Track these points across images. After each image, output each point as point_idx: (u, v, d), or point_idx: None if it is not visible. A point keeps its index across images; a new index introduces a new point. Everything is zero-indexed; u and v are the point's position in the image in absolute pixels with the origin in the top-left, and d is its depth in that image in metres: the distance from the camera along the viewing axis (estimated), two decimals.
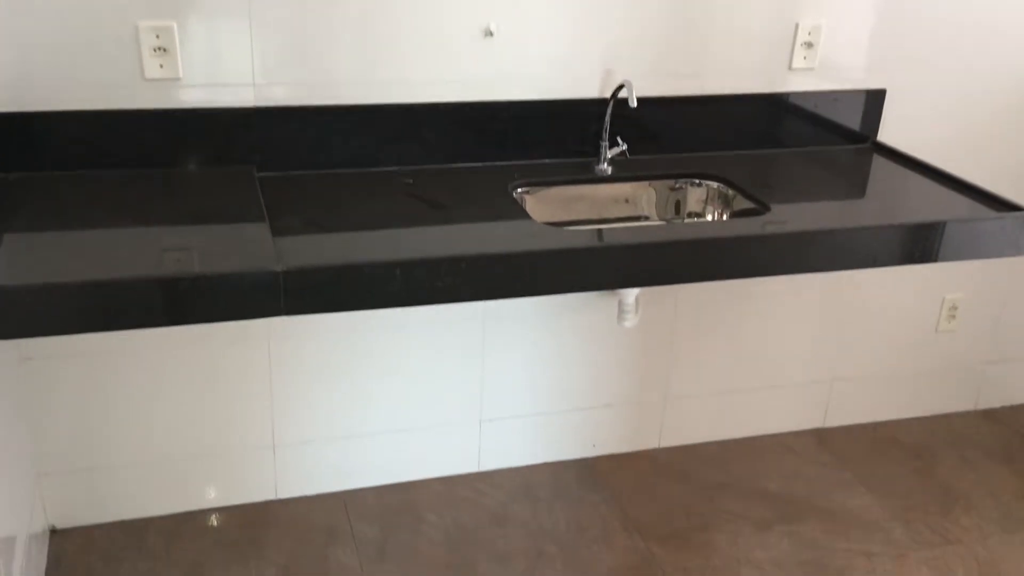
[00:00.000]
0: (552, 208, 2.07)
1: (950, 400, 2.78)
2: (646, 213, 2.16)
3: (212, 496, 2.21)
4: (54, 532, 2.12)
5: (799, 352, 2.56)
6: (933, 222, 1.86)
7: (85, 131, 1.81)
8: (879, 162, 2.26)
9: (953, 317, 2.64)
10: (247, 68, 1.87)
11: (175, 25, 1.78)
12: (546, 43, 2.03)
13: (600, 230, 2.05)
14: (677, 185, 2.15)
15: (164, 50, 1.79)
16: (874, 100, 2.30)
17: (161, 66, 1.80)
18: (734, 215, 2.07)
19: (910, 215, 1.94)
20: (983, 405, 2.82)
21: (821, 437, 2.65)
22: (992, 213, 1.93)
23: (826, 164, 2.24)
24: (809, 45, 2.19)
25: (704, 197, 2.15)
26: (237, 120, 1.89)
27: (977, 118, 2.41)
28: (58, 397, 2.01)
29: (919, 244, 1.87)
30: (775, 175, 2.19)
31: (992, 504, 2.41)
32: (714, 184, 2.13)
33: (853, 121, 2.31)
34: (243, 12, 1.82)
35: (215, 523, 2.19)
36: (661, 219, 2.16)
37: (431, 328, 2.21)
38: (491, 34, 1.99)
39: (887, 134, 2.33)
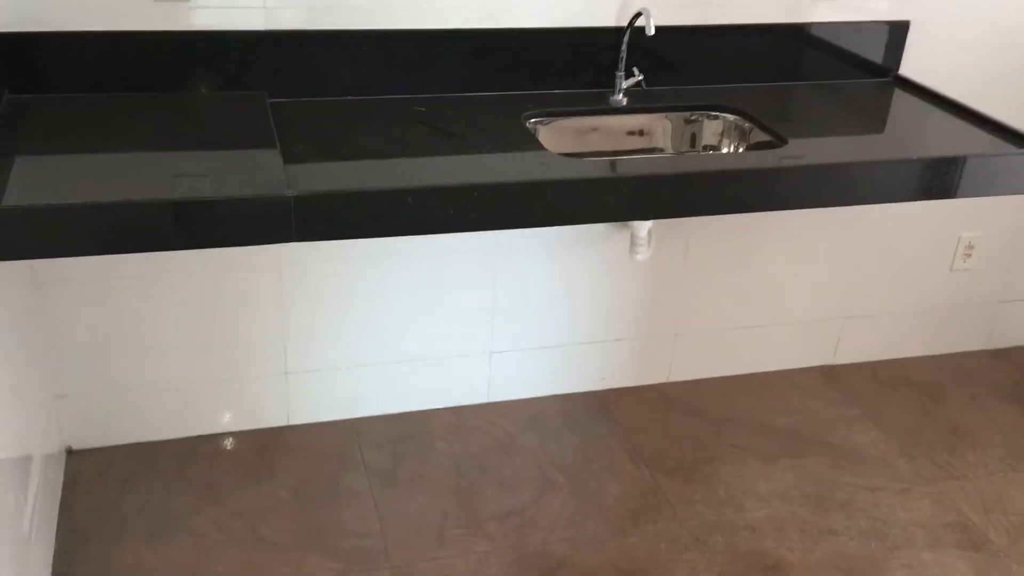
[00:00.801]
0: (566, 139, 2.05)
1: (961, 339, 2.77)
2: (661, 145, 2.14)
3: (225, 420, 2.25)
4: (70, 453, 2.16)
5: (811, 289, 2.55)
6: (952, 156, 1.83)
7: (94, 53, 1.79)
8: (900, 96, 2.21)
9: (969, 256, 2.62)
10: None
11: None
12: None
13: (613, 161, 2.03)
14: (693, 117, 2.12)
15: None
16: (897, 32, 2.24)
17: None
18: (750, 148, 2.05)
19: (929, 150, 1.91)
20: (994, 344, 2.81)
21: (830, 374, 2.66)
22: (1013, 148, 1.89)
23: (846, 98, 2.19)
24: None
25: (720, 130, 2.12)
26: (247, 44, 1.87)
27: (1002, 51, 2.35)
28: (73, 321, 2.03)
29: (937, 179, 1.85)
30: (793, 108, 2.15)
31: (999, 442, 2.42)
32: (731, 116, 2.09)
33: (875, 54, 2.26)
34: None
35: (228, 447, 2.23)
36: (676, 152, 2.13)
37: (442, 259, 2.21)
38: None
39: (909, 67, 2.28)
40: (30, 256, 1.44)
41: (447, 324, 2.29)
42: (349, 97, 1.97)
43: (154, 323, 2.08)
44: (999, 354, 2.80)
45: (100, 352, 2.08)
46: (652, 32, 1.93)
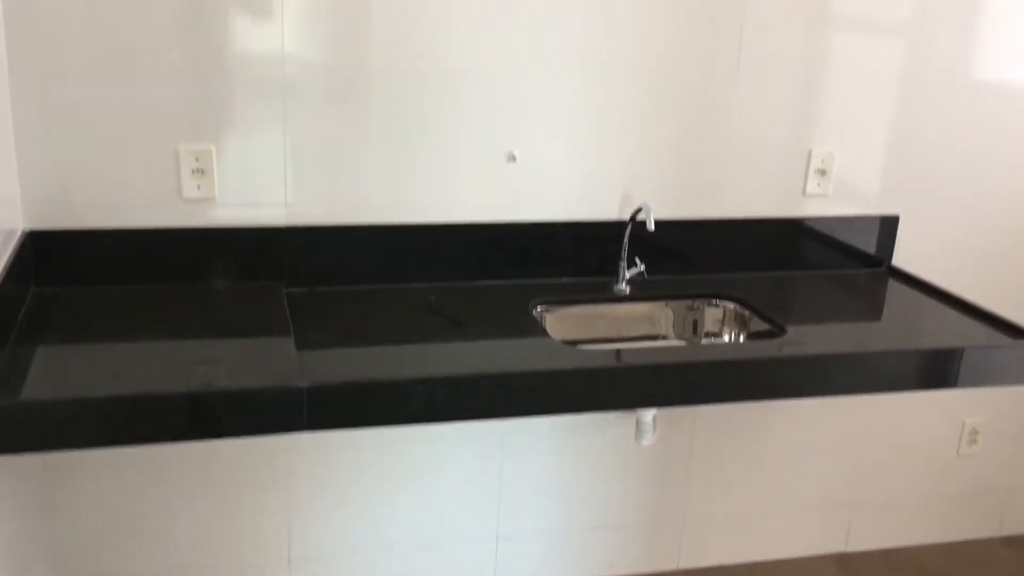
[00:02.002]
0: (571, 326, 2.11)
1: (973, 526, 2.73)
2: (664, 332, 2.19)
3: None
4: None
5: (819, 475, 2.53)
6: (951, 348, 1.88)
7: (121, 248, 1.88)
8: (894, 286, 2.29)
9: (974, 442, 2.62)
10: (280, 188, 1.94)
11: (214, 148, 1.87)
12: (567, 167, 2.11)
13: (618, 350, 2.07)
14: (694, 305, 2.18)
15: (202, 172, 1.87)
16: (888, 225, 2.35)
17: (199, 187, 1.88)
18: (751, 336, 2.10)
19: (927, 340, 1.96)
20: (1007, 531, 2.76)
21: (843, 562, 2.60)
22: (1009, 340, 1.94)
23: (842, 287, 2.27)
24: (822, 172, 2.25)
25: (721, 317, 2.18)
26: (268, 237, 1.96)
27: (991, 243, 2.44)
28: (75, 503, 2.01)
29: (937, 370, 1.89)
30: (791, 297, 2.22)
31: None
32: (731, 305, 2.16)
33: (868, 245, 2.35)
34: (278, 137, 1.91)
35: None
36: (679, 339, 2.19)
37: (449, 442, 2.22)
38: (514, 159, 2.07)
39: (902, 258, 2.37)
40: (45, 449, 1.46)
41: (453, 508, 2.27)
42: (363, 286, 2.04)
43: (156, 507, 2.06)
44: (1011, 542, 2.75)
45: (100, 536, 2.05)
46: (652, 228, 2.02)
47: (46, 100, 1.77)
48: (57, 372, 1.58)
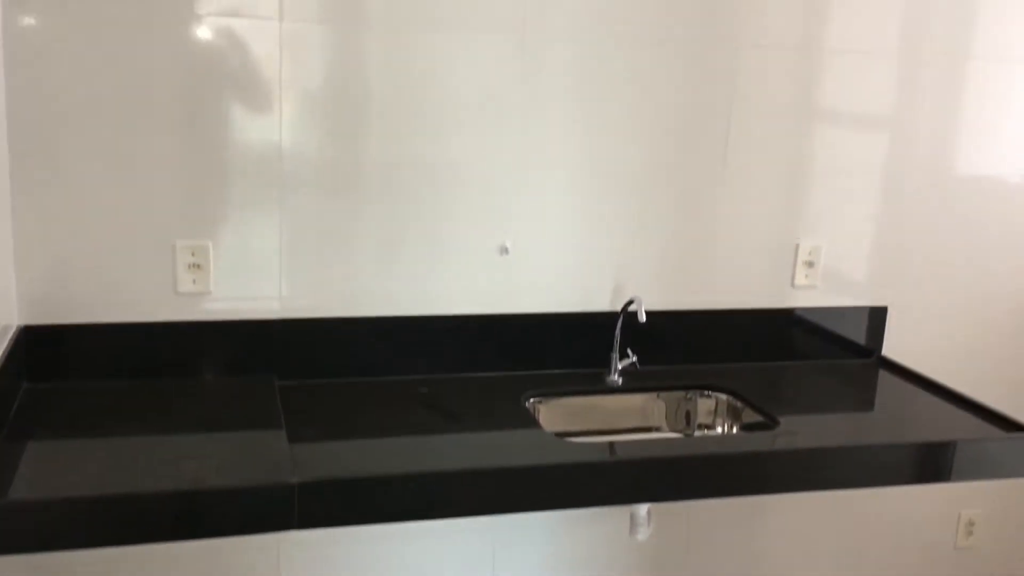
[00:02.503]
0: (564, 418, 2.10)
1: None
2: (657, 424, 2.19)
3: None
4: None
5: (815, 567, 2.49)
6: (944, 441, 1.88)
7: (114, 342, 1.89)
8: (885, 377, 2.30)
9: (971, 533, 2.59)
10: (274, 281, 1.96)
11: (210, 244, 1.89)
12: (558, 260, 2.14)
13: (612, 443, 2.06)
14: (687, 396, 2.19)
15: (198, 266, 1.89)
16: (876, 316, 2.37)
17: (194, 281, 1.89)
18: (743, 428, 2.10)
19: (920, 433, 1.96)
20: None
21: None
22: (1001, 433, 1.94)
23: (833, 378, 2.28)
24: (810, 264, 2.29)
25: (714, 409, 2.18)
26: (262, 330, 1.97)
27: (979, 334, 2.47)
28: None
29: (931, 463, 1.89)
30: (783, 388, 2.23)
31: None
32: (723, 396, 2.16)
33: (858, 335, 2.37)
34: (274, 230, 1.93)
35: None
36: (672, 430, 2.18)
37: (441, 536, 2.18)
38: (506, 251, 2.09)
39: (892, 348, 2.39)
40: (33, 550, 1.44)
41: None
42: (355, 378, 2.04)
43: None
44: None
45: None
46: (643, 319, 2.04)
47: (45, 198, 1.80)
48: (46, 470, 1.57)
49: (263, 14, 1.84)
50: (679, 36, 2.09)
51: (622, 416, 2.17)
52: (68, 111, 1.78)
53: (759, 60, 2.15)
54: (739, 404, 2.12)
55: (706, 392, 2.18)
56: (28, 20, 1.73)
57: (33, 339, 1.83)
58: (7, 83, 1.73)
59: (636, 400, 2.18)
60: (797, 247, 2.27)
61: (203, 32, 1.82)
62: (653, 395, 2.18)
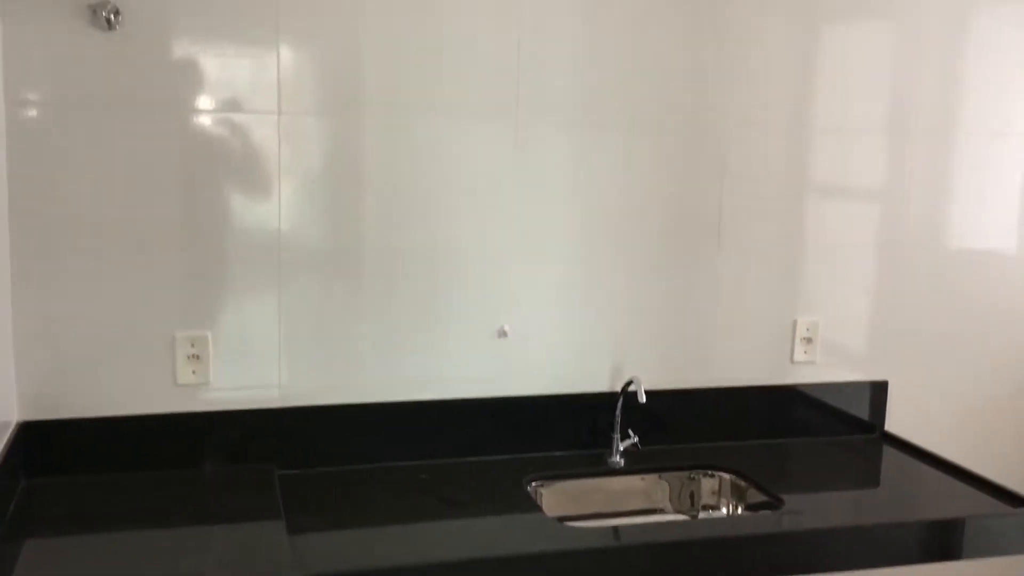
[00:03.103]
0: (567, 501, 2.08)
1: None
2: (661, 505, 2.17)
3: None
4: None
5: None
6: (953, 519, 1.86)
7: (113, 436, 1.88)
8: (889, 452, 2.29)
9: None
10: (274, 369, 1.96)
11: (210, 335, 1.90)
12: (556, 341, 2.14)
13: (616, 528, 2.04)
14: (691, 476, 2.17)
15: (197, 357, 1.90)
16: (878, 391, 2.37)
17: (193, 372, 1.90)
18: (748, 507, 2.08)
19: (927, 510, 1.94)
20: None
21: None
22: (1009, 509, 1.92)
23: (836, 454, 2.26)
24: (808, 340, 2.29)
25: (717, 489, 2.16)
26: (261, 420, 1.96)
27: (982, 406, 2.46)
28: None
29: (940, 541, 1.87)
30: (786, 465, 2.21)
31: None
32: (727, 475, 2.15)
33: (860, 410, 2.37)
34: (273, 318, 1.95)
35: None
36: (676, 511, 2.16)
37: None
38: (505, 334, 2.10)
39: (894, 422, 2.37)
40: None
41: None
42: (355, 466, 2.03)
43: None
44: None
45: None
46: (643, 400, 2.04)
47: (45, 292, 1.81)
48: (44, 568, 1.55)
49: (262, 108, 1.89)
50: (671, 118, 2.13)
51: (625, 498, 2.15)
52: (69, 204, 1.80)
53: (750, 139, 2.19)
54: (743, 483, 2.11)
55: (709, 472, 2.16)
56: (31, 113, 1.77)
57: (32, 435, 1.83)
58: (9, 177, 1.76)
59: (639, 481, 2.16)
60: (795, 323, 2.28)
61: (203, 126, 1.86)
62: (656, 476, 2.17)
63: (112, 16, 1.75)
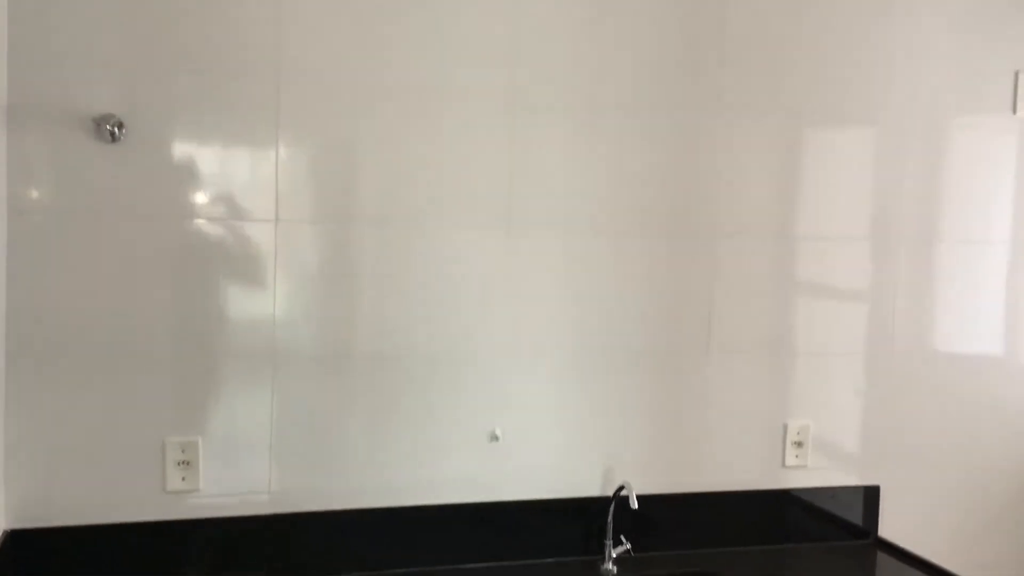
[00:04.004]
0: None
1: None
2: None
3: None
4: None
5: None
6: None
7: (100, 544, 1.86)
8: (883, 560, 2.26)
9: None
10: (264, 475, 1.95)
11: (200, 440, 1.90)
12: (548, 446, 2.14)
13: None
14: None
15: (187, 463, 1.89)
16: (870, 495, 2.36)
17: (183, 479, 1.89)
18: None
19: None
20: None
21: None
22: None
23: (830, 561, 2.24)
24: (799, 444, 2.29)
25: None
26: (250, 526, 1.94)
27: (975, 509, 2.45)
28: None
29: None
30: (781, 573, 2.18)
31: None
32: None
33: (853, 515, 2.35)
34: (264, 422, 1.95)
35: None
36: None
37: None
38: (496, 439, 2.10)
39: (887, 528, 2.36)
40: None
41: None
42: (347, 574, 2.00)
43: None
44: None
45: None
46: (635, 506, 2.03)
47: (35, 401, 1.82)
48: None
49: (260, 217, 1.92)
50: (659, 223, 2.17)
51: None
52: (63, 309, 1.82)
53: (738, 246, 2.23)
54: None
55: None
56: (32, 221, 1.80)
57: (19, 544, 1.80)
58: (8, 283, 1.79)
59: None
60: (785, 427, 2.29)
61: (200, 234, 1.89)
62: None
63: (116, 129, 1.80)
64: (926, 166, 2.36)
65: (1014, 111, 2.40)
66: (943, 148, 2.38)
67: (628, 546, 2.12)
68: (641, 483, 2.12)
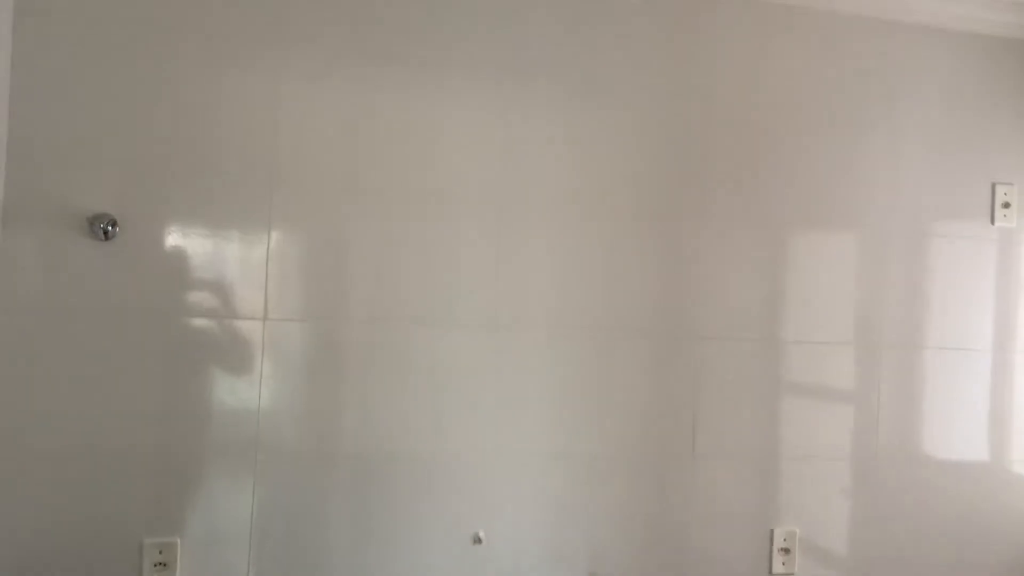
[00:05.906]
0: None
1: None
2: None
3: None
4: None
5: None
6: None
7: None
8: None
9: None
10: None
11: (179, 540, 1.87)
12: (532, 549, 2.11)
13: None
14: None
15: (164, 565, 1.85)
16: None
17: None
18: None
19: None
20: None
21: None
22: None
23: None
24: (786, 551, 2.27)
25: None
26: None
27: None
28: None
29: None
30: None
31: None
32: None
33: None
34: (244, 525, 1.92)
35: None
36: None
37: None
38: (480, 541, 2.07)
39: None
40: None
41: None
42: None
43: None
44: None
45: None
46: None
47: (12, 501, 1.79)
48: None
49: (248, 314, 1.94)
50: (646, 331, 2.19)
51: None
52: (42, 406, 1.82)
53: (722, 352, 2.24)
54: None
55: None
56: (17, 320, 1.80)
57: None
58: None
59: None
60: (772, 532, 2.27)
61: (187, 331, 1.90)
62: None
63: (109, 227, 1.83)
64: (908, 275, 2.40)
65: (992, 221, 2.45)
66: (924, 258, 2.41)
67: None
68: None
